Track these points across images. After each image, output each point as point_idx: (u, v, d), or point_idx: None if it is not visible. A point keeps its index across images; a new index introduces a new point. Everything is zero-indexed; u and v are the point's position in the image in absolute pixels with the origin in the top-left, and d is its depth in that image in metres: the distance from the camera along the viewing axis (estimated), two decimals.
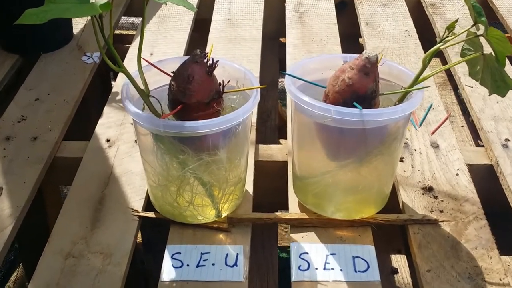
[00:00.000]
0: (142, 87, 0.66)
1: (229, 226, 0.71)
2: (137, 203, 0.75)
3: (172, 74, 0.66)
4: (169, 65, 0.72)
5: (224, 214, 0.71)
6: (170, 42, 1.11)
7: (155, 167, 0.68)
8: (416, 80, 0.65)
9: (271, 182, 0.84)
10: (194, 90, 0.64)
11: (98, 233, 0.70)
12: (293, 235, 0.70)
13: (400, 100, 0.66)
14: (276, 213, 0.72)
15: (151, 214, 0.73)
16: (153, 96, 0.66)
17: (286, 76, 0.68)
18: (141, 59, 0.66)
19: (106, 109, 0.93)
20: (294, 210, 0.73)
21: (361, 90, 0.63)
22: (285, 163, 0.83)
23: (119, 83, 0.99)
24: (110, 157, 0.82)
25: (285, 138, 1.38)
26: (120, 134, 0.87)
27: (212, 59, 0.65)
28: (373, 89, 0.63)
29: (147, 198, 0.76)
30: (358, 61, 0.63)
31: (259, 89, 0.67)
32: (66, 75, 1.00)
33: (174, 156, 0.65)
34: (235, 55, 1.06)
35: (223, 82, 0.65)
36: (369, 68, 0.63)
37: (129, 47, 1.13)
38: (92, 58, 1.05)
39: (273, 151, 0.85)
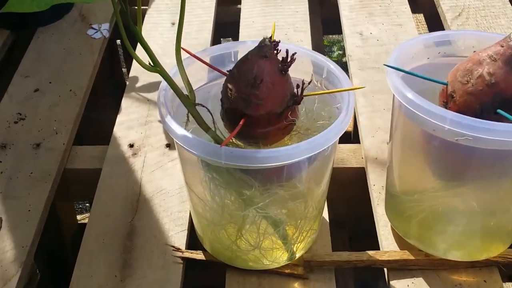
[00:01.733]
0: (183, 89, 0.47)
1: (305, 271, 0.53)
2: (178, 237, 0.57)
3: (227, 73, 0.47)
4: (215, 55, 0.53)
5: (298, 255, 0.53)
6: (195, 8, 0.90)
7: (205, 200, 0.49)
8: None
9: (345, 193, 0.66)
10: (262, 97, 0.44)
11: (131, 286, 0.53)
12: (394, 283, 0.52)
13: None
14: (369, 252, 0.54)
15: (200, 255, 0.55)
16: (202, 104, 0.47)
17: (388, 69, 0.48)
18: (181, 50, 0.47)
19: (125, 102, 0.73)
20: (389, 245, 0.55)
21: (509, 91, 0.43)
22: (361, 170, 0.64)
23: (136, 66, 0.79)
24: (137, 170, 0.64)
25: None
26: (146, 137, 0.68)
27: (287, 51, 0.45)
28: None
29: (191, 228, 0.58)
30: (504, 48, 0.43)
31: (352, 92, 0.47)
32: (70, 55, 0.80)
33: (235, 191, 0.47)
34: (278, 22, 0.86)
35: (303, 83, 0.46)
36: None
37: (145, 10, 0.91)
38: (100, 32, 0.84)
39: (344, 154, 0.66)
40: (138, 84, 0.75)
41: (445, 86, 0.48)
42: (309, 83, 0.46)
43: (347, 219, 0.70)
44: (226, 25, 0.96)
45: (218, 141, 0.47)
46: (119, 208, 0.59)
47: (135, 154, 0.65)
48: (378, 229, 0.57)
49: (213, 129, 0.47)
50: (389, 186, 0.56)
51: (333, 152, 0.49)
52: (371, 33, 0.82)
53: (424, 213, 0.52)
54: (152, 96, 0.73)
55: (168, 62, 0.78)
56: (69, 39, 0.83)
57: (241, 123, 0.45)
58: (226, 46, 0.53)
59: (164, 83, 0.48)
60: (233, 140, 0.48)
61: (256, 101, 0.44)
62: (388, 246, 0.55)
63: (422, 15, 1.08)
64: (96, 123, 0.82)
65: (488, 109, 0.44)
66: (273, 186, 0.46)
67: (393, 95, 0.49)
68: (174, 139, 0.45)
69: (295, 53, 0.45)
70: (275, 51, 0.45)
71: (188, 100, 0.47)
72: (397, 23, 0.83)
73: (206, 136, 0.47)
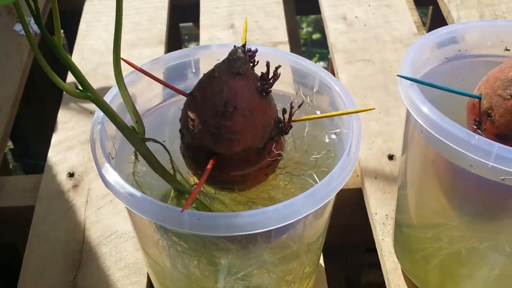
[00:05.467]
0: (125, 118, 0.34)
1: None
2: None
3: (186, 93, 0.34)
4: (172, 65, 0.40)
5: None
6: None
7: (163, 266, 0.37)
8: None
9: (337, 221, 0.54)
10: (237, 129, 0.32)
11: None
12: None
13: None
14: None
15: None
16: (155, 139, 0.34)
17: (401, 79, 0.36)
18: (121, 61, 0.34)
19: (62, 115, 0.59)
20: None
21: None
22: (358, 193, 0.53)
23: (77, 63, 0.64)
24: (79, 207, 0.50)
25: None
26: (90, 160, 0.54)
27: (267, 65, 0.32)
28: None
29: (150, 285, 0.45)
30: None
31: (359, 116, 0.35)
32: None
33: (205, 259, 0.34)
34: (245, 6, 0.72)
35: (291, 106, 0.33)
36: None
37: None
38: (30, 26, 0.69)
39: None
40: None
41: (477, 99, 0.36)
42: (299, 106, 0.34)
43: (341, 252, 0.59)
44: (184, 9, 0.82)
45: (178, 189, 0.35)
46: (57, 263, 0.46)
47: (76, 186, 0.52)
48: (385, 273, 0.46)
49: (171, 171, 0.35)
50: (399, 217, 0.44)
51: (334, 196, 0.37)
52: (356, 17, 0.69)
53: (442, 255, 0.41)
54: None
55: None
56: None
57: (209, 166, 0.32)
58: (184, 53, 0.40)
59: (99, 113, 0.35)
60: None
61: (228, 136, 0.32)
62: None
63: None
64: (29, 143, 0.68)
65: None
66: (257, 248, 0.34)
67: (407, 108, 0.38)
68: (119, 200, 0.32)
69: (279, 66, 0.32)
70: (251, 64, 0.33)
71: (135, 135, 0.34)
72: (385, 3, 0.71)
73: (162, 181, 0.35)
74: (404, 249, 0.44)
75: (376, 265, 0.49)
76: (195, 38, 1.40)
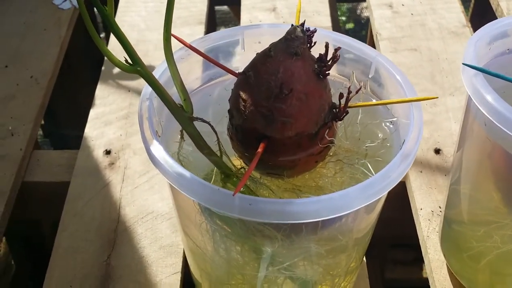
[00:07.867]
0: (175, 97, 0.33)
1: None
2: (168, 283, 0.43)
3: (237, 73, 0.33)
4: (217, 45, 0.38)
5: None
6: None
7: (204, 249, 0.36)
8: None
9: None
10: (292, 113, 0.30)
11: None
12: None
13: None
14: None
15: None
16: (203, 119, 0.33)
17: (464, 68, 0.34)
18: (172, 37, 0.32)
19: (100, 90, 0.58)
20: None
21: None
22: (400, 186, 0.51)
23: (114, 43, 0.63)
24: (114, 185, 0.50)
25: None
26: (127, 137, 0.53)
27: (326, 46, 0.30)
28: None
29: (185, 267, 0.44)
30: None
31: (419, 105, 0.33)
32: (32, 32, 0.65)
33: (249, 246, 0.33)
34: None
35: (349, 91, 0.31)
36: None
37: None
38: (69, 0, 0.68)
39: None
40: (116, 71, 0.60)
41: None
42: (357, 92, 0.32)
43: (377, 245, 0.57)
44: None
45: (225, 171, 0.33)
46: (92, 241, 0.45)
47: (113, 164, 0.51)
48: (429, 272, 0.44)
49: (218, 153, 0.33)
50: (449, 213, 0.42)
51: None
52: (402, 5, 0.67)
53: (493, 255, 0.39)
54: (135, 84, 0.59)
55: (154, 39, 0.63)
56: (30, 11, 0.67)
57: (260, 149, 0.31)
58: (233, 32, 0.38)
59: (147, 89, 0.34)
60: (245, 170, 0.34)
61: (282, 119, 0.30)
62: None
63: None
64: (65, 118, 0.68)
65: None
66: (302, 239, 0.32)
67: (468, 95, 0.36)
68: (167, 180, 0.30)
69: (339, 48, 0.31)
70: (308, 44, 0.31)
71: (183, 114, 0.32)
72: None
73: (204, 162, 0.34)
74: (453, 247, 0.43)
75: (409, 261, 0.48)
76: (229, 22, 1.38)
